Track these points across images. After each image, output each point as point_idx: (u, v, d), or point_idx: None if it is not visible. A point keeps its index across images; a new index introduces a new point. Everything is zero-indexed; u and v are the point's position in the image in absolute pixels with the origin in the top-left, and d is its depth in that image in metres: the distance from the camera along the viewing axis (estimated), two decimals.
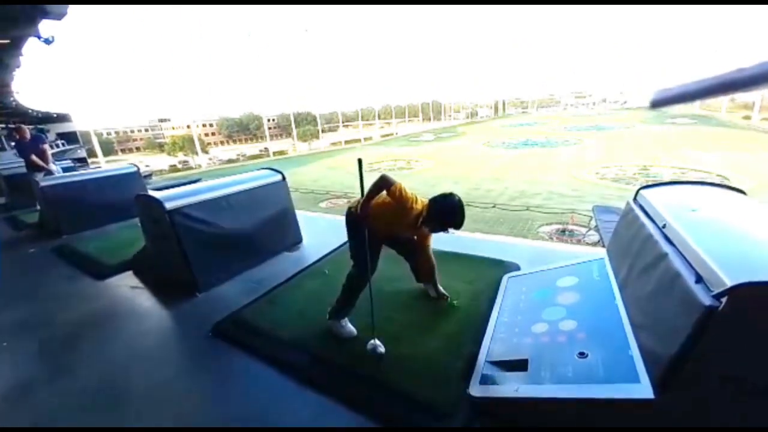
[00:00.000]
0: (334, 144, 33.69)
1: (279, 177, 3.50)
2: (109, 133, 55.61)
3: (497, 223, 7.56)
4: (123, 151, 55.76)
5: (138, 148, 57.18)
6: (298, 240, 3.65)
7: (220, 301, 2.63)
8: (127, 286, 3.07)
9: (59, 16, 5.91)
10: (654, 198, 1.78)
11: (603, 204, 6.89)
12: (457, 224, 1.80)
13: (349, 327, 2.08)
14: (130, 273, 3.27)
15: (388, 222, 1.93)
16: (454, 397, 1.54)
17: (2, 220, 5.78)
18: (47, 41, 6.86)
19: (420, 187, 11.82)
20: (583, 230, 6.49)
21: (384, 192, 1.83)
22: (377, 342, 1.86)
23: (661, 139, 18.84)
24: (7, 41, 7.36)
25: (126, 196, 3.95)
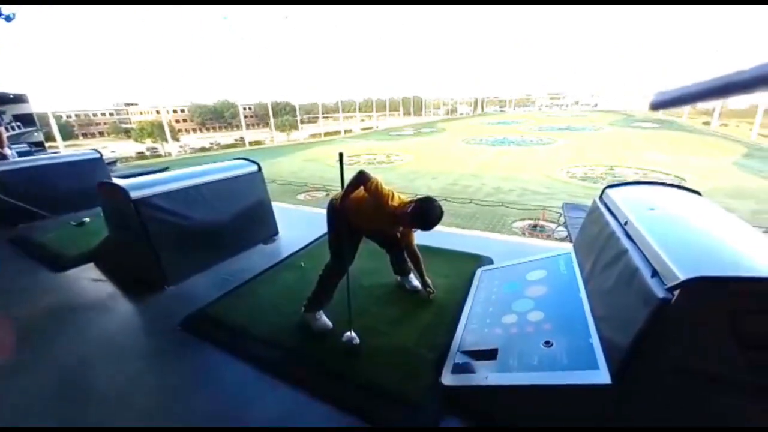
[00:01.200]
0: (313, 135, 33.07)
1: (254, 168, 3.41)
2: (69, 116, 51.76)
3: (473, 218, 7.75)
4: (85, 135, 52.11)
5: (101, 133, 53.62)
6: (274, 232, 3.58)
7: (190, 294, 2.54)
8: (88, 278, 2.91)
9: None
10: (618, 197, 1.88)
11: (572, 201, 7.21)
12: (432, 226, 1.83)
13: (324, 319, 2.09)
14: (91, 265, 3.09)
15: (368, 217, 1.94)
16: (427, 387, 1.58)
17: None
18: (7, 18, 6.29)
19: (399, 181, 11.87)
20: (553, 226, 6.78)
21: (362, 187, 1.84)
22: (353, 334, 1.87)
23: (627, 141, 19.86)
24: None
25: (87, 184, 3.71)
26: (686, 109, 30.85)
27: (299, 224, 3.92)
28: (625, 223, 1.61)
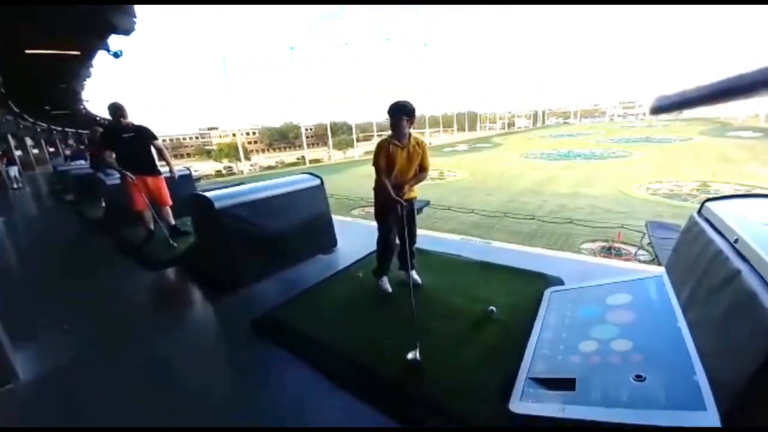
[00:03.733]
0: (368, 153, 34.28)
1: (318, 182, 3.61)
2: (163, 140, 60.62)
3: (535, 237, 7.22)
4: (175, 156, 60.56)
5: (189, 154, 61.80)
6: (333, 244, 3.72)
7: (258, 298, 2.73)
8: (173, 278, 3.29)
9: (127, 32, 6.60)
10: (722, 211, 1.62)
11: (655, 220, 6.37)
12: (404, 110, 2.31)
13: (386, 285, 2.58)
14: (179, 267, 3.50)
15: (393, 166, 2.37)
16: (490, 411, 1.47)
17: (72, 214, 6.46)
18: (116, 55, 7.66)
19: (451, 197, 11.63)
20: (632, 249, 6.02)
21: (382, 163, 2.37)
22: (417, 355, 1.82)
23: (722, 152, 17.20)
24: (78, 53, 8.32)
25: (181, 195, 4.25)
26: None
27: (356, 237, 4.02)
28: (735, 241, 1.37)
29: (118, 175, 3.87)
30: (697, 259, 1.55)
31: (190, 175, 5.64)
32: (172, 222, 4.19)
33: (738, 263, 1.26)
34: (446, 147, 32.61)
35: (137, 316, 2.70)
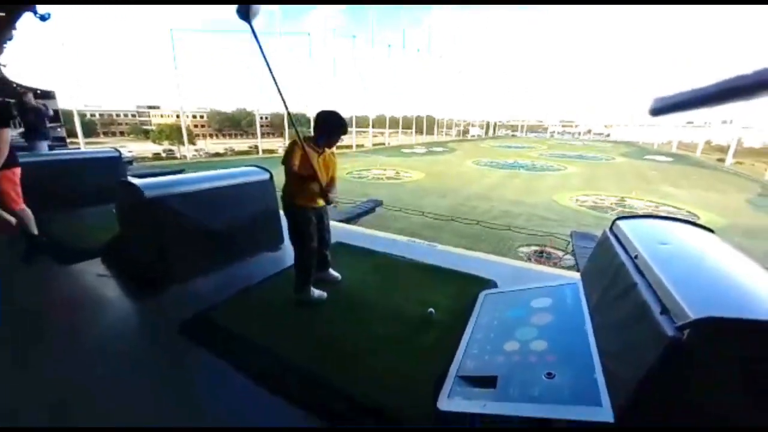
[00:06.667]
0: None
1: (266, 176, 3.46)
2: (93, 115, 53.76)
3: (479, 240, 7.68)
4: (106, 134, 53.98)
5: (122, 133, 55.44)
6: (281, 241, 3.60)
7: (193, 295, 2.55)
8: (93, 273, 2.94)
9: None
10: (628, 229, 1.86)
11: (580, 230, 7.12)
12: (345, 129, 2.38)
13: (318, 292, 2.46)
14: (98, 260, 3.13)
15: (303, 173, 2.24)
16: (422, 409, 1.53)
17: None
18: (43, 18, 6.65)
19: (406, 197, 11.90)
20: (560, 254, 6.68)
21: (294, 166, 2.24)
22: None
23: (639, 173, 19.73)
24: (2, 14, 7.15)
25: (104, 181, 3.81)
26: (701, 144, 30.64)
27: None
28: (636, 257, 1.58)
29: (37, 153, 3.31)
30: (605, 270, 1.76)
31: (119, 157, 5.06)
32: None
33: (636, 277, 1.45)
34: (405, 148, 33.22)
35: (45, 314, 2.37)
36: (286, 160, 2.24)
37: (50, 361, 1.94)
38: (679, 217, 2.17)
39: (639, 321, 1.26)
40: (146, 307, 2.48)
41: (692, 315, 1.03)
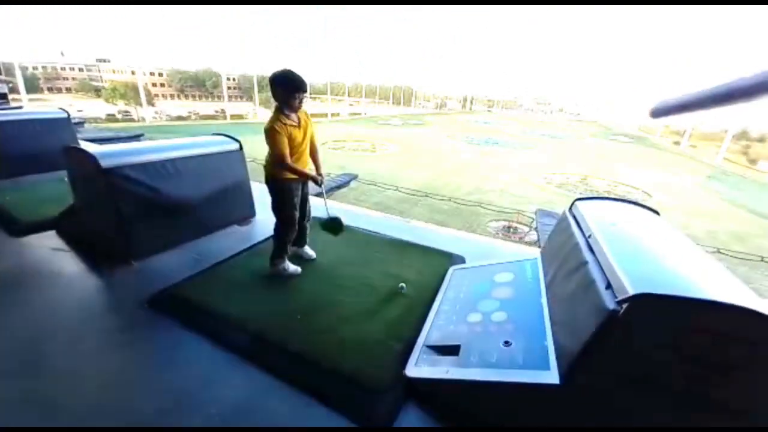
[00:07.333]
0: None
1: (236, 145, 3.32)
2: (35, 68, 47.64)
3: (452, 215, 7.90)
4: (50, 90, 48.25)
5: (69, 89, 49.85)
6: (251, 214, 3.52)
7: (158, 271, 2.48)
8: (48, 247, 2.77)
9: None
10: (585, 210, 1.99)
11: (545, 207, 7.50)
12: (303, 85, 2.22)
13: (293, 267, 2.46)
14: (53, 233, 2.94)
15: (289, 143, 2.20)
16: (391, 377, 1.64)
17: None
18: None
19: (382, 171, 11.85)
20: (526, 229, 7.04)
21: (286, 157, 2.19)
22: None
23: (604, 153, 20.71)
24: None
25: (53, 145, 3.49)
26: (659, 127, 32.42)
27: None
28: (589, 236, 1.71)
29: None
30: (562, 247, 1.90)
31: (67, 118, 4.60)
32: None
33: (587, 255, 1.59)
34: (381, 119, 32.53)
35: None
36: (276, 152, 2.16)
37: (6, 339, 1.85)
38: (630, 199, 2.34)
39: (586, 295, 1.40)
40: (110, 283, 2.39)
41: (631, 291, 1.16)
